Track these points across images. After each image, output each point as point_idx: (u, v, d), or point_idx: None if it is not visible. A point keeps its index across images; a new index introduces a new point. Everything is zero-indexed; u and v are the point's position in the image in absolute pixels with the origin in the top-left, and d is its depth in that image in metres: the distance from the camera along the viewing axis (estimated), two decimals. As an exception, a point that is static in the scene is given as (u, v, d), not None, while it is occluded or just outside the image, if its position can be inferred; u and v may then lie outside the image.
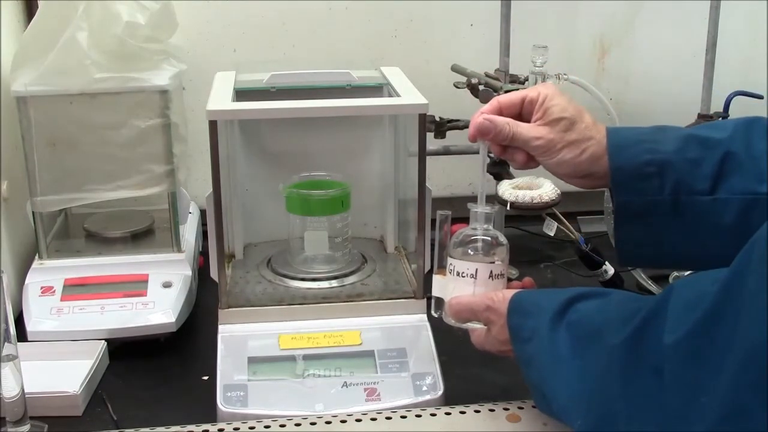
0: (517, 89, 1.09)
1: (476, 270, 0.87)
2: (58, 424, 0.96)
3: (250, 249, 1.22)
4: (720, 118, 1.33)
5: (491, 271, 0.88)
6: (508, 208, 1.19)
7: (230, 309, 1.04)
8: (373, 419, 0.90)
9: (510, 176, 1.27)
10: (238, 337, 1.02)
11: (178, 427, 0.88)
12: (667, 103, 1.53)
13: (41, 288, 1.16)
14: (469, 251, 0.88)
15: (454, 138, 1.33)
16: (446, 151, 1.39)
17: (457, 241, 0.89)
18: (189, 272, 1.21)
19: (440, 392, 0.96)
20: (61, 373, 1.02)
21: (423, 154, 1.02)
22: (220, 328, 1.03)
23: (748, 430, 0.54)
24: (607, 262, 1.26)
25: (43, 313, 1.12)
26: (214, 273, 1.04)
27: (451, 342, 0.99)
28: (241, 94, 1.11)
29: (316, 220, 1.11)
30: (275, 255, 1.17)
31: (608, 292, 0.81)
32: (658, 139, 0.84)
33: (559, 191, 1.18)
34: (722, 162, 0.82)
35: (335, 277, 1.11)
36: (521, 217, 1.45)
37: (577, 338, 0.77)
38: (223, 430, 0.88)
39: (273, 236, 1.22)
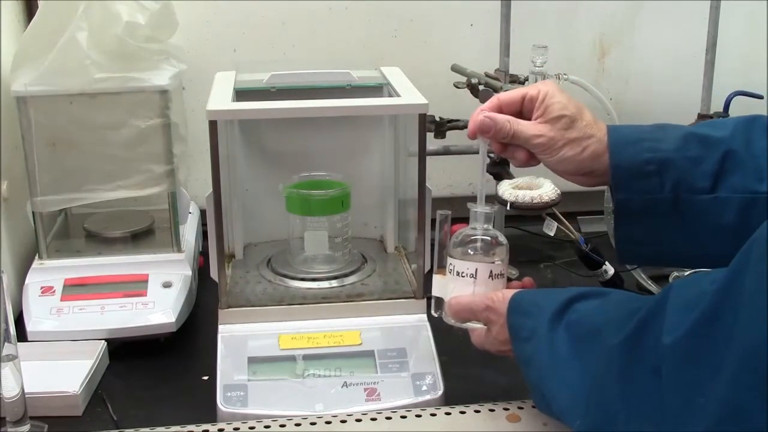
0: (518, 89, 1.09)
1: (476, 270, 0.88)
2: (58, 424, 0.96)
3: (250, 249, 1.22)
4: (720, 118, 1.33)
5: (491, 271, 0.88)
6: (508, 208, 1.18)
7: (230, 309, 1.04)
8: (373, 419, 0.90)
9: (510, 176, 1.27)
10: (238, 337, 1.02)
11: (178, 427, 0.88)
12: (667, 103, 1.53)
13: (41, 288, 1.16)
14: (469, 251, 0.88)
15: (454, 138, 1.33)
16: (446, 151, 1.39)
17: (457, 241, 0.89)
18: (189, 272, 1.21)
19: (440, 392, 0.96)
20: (61, 373, 1.02)
21: (423, 154, 1.02)
22: (220, 328, 1.03)
23: (747, 430, 0.54)
24: (607, 262, 1.26)
25: (43, 313, 1.12)
26: (214, 273, 1.04)
27: (451, 342, 0.99)
28: (241, 94, 1.11)
29: (316, 220, 1.11)
30: (275, 255, 1.17)
31: (607, 291, 0.82)
32: (659, 138, 0.84)
33: (559, 191, 1.18)
34: (722, 160, 0.82)
35: (335, 277, 1.11)
36: (521, 217, 1.45)
37: (577, 338, 0.77)
38: (223, 430, 0.88)
39: (273, 236, 1.22)
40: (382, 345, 1.01)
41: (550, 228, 1.29)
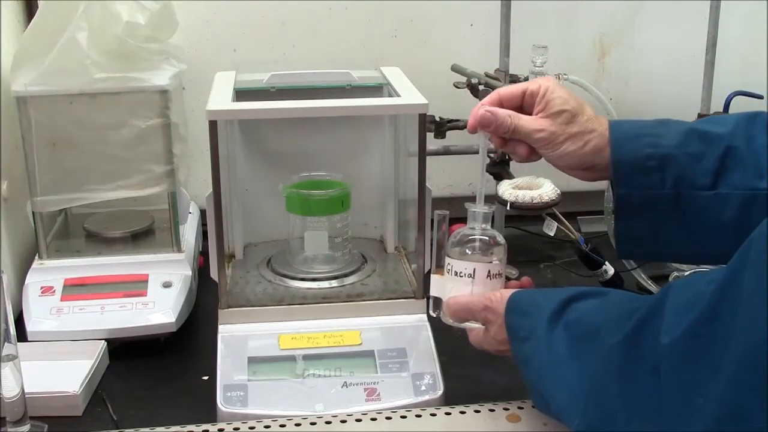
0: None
1: (474, 270, 0.88)
2: (58, 424, 0.96)
3: (250, 249, 1.22)
4: (721, 115, 1.33)
5: (489, 271, 0.88)
6: (508, 208, 1.18)
7: (230, 309, 1.04)
8: (373, 419, 0.90)
9: (510, 176, 1.27)
10: (238, 337, 1.02)
11: (178, 427, 0.88)
12: (667, 103, 1.53)
13: (41, 288, 1.16)
14: (467, 251, 0.88)
15: (454, 138, 1.33)
16: (446, 151, 1.39)
17: (455, 241, 0.89)
18: (189, 272, 1.21)
19: (440, 392, 0.96)
20: (61, 373, 1.02)
21: (423, 154, 1.02)
22: (220, 328, 1.03)
23: (746, 429, 0.54)
24: (607, 262, 1.26)
25: (43, 313, 1.12)
26: (214, 273, 1.04)
27: (451, 342, 0.99)
28: (241, 94, 1.11)
29: (316, 220, 1.11)
30: (275, 255, 1.17)
31: (606, 291, 0.81)
32: (660, 133, 0.84)
33: (559, 191, 1.18)
34: (723, 157, 0.81)
35: (335, 277, 1.11)
36: (521, 217, 1.45)
37: (575, 338, 0.77)
38: (223, 430, 0.88)
39: (273, 236, 1.22)
40: (382, 345, 1.01)
41: (550, 228, 1.29)
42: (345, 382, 0.96)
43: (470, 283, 0.87)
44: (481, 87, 1.30)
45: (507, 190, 1.19)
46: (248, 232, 1.22)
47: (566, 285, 1.24)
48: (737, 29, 1.51)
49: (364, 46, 1.50)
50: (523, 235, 1.49)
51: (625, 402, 0.67)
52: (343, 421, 0.89)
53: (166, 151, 1.19)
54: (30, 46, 1.16)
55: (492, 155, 1.30)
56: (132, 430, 0.90)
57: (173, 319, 1.13)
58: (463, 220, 0.91)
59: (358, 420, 0.89)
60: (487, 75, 1.35)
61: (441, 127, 1.31)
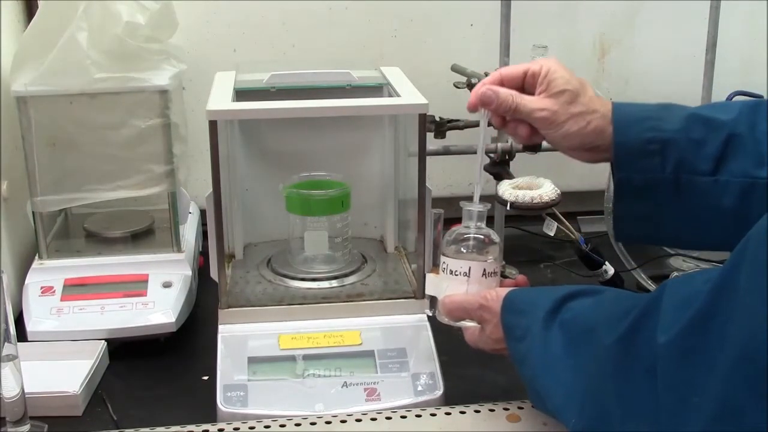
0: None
1: (469, 268, 0.88)
2: (58, 424, 0.96)
3: (250, 249, 1.22)
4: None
5: (484, 269, 0.88)
6: (508, 208, 1.18)
7: (230, 309, 1.04)
8: (373, 419, 0.90)
9: (510, 176, 1.27)
10: (238, 337, 1.02)
11: (178, 427, 0.88)
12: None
13: (41, 288, 1.16)
14: (462, 249, 0.88)
15: (454, 138, 1.33)
16: (446, 151, 1.38)
17: (450, 240, 0.89)
18: (189, 272, 1.21)
19: (440, 392, 0.96)
20: (61, 373, 1.02)
21: (423, 154, 1.02)
22: (220, 328, 1.03)
23: (741, 429, 0.53)
24: (607, 262, 1.26)
25: (43, 313, 1.12)
26: (214, 273, 1.04)
27: (451, 342, 0.99)
28: (241, 94, 1.11)
29: (316, 220, 1.11)
30: (275, 255, 1.17)
31: (601, 289, 0.81)
32: (663, 117, 0.84)
33: (559, 191, 1.18)
34: (726, 144, 0.81)
35: (335, 277, 1.11)
36: (521, 217, 1.45)
37: (571, 337, 0.77)
38: (223, 430, 0.88)
39: (273, 236, 1.22)
40: (382, 345, 1.01)
41: (550, 228, 1.29)
42: (345, 382, 0.96)
43: (466, 281, 0.88)
44: (481, 87, 1.30)
45: (507, 190, 1.19)
46: (248, 232, 1.22)
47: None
48: (737, 29, 1.51)
49: (364, 46, 1.50)
50: (523, 235, 1.49)
51: (620, 401, 0.67)
52: (343, 421, 0.89)
53: (166, 151, 1.19)
54: (30, 46, 1.16)
55: (492, 155, 1.30)
56: (132, 430, 0.90)
57: (173, 319, 1.13)
58: (460, 220, 0.91)
59: (358, 420, 0.89)
60: (487, 75, 1.35)
61: (441, 127, 1.31)
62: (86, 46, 1.12)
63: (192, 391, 1.04)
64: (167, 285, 1.17)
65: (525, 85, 0.87)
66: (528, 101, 0.85)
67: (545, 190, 1.18)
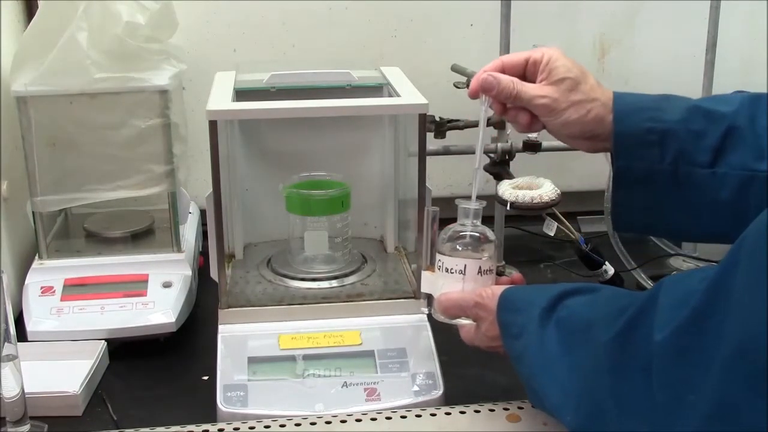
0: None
1: (465, 266, 0.88)
2: (58, 424, 0.96)
3: (250, 249, 1.22)
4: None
5: (480, 267, 0.88)
6: (508, 208, 1.18)
7: (230, 309, 1.04)
8: (373, 419, 0.90)
9: (510, 176, 1.27)
10: (238, 337, 1.02)
11: (178, 427, 0.88)
12: (667, 103, 1.52)
13: (41, 288, 1.16)
14: (458, 247, 0.88)
15: (454, 138, 1.33)
16: (446, 151, 1.38)
17: (446, 237, 0.89)
18: (189, 272, 1.21)
19: (440, 392, 0.96)
20: (61, 373, 1.01)
21: (423, 154, 1.02)
22: (220, 328, 1.03)
23: (737, 427, 0.53)
24: (607, 262, 1.26)
25: (43, 313, 1.12)
26: (214, 273, 1.04)
27: (451, 342, 0.99)
28: (241, 94, 1.11)
29: (316, 220, 1.11)
30: (275, 255, 1.17)
31: (597, 287, 0.81)
32: (663, 108, 0.84)
33: (559, 191, 1.18)
34: (725, 136, 0.81)
35: (335, 277, 1.11)
36: (521, 217, 1.44)
37: (566, 335, 0.76)
38: (223, 430, 0.88)
39: (273, 236, 1.22)
40: (382, 345, 1.01)
41: (550, 228, 1.29)
42: (345, 382, 0.96)
43: (461, 279, 0.88)
44: (481, 87, 1.30)
45: (507, 190, 1.19)
46: (248, 232, 1.22)
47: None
48: (737, 29, 1.51)
49: (364, 46, 1.50)
50: (523, 235, 1.49)
51: (616, 399, 0.67)
52: (343, 421, 0.89)
53: (166, 151, 1.19)
54: (30, 46, 1.16)
55: (492, 155, 1.30)
56: (132, 430, 0.90)
57: (173, 319, 1.13)
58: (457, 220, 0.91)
59: (358, 420, 0.89)
60: (487, 75, 1.35)
61: (441, 127, 1.31)
62: (86, 46, 1.12)
63: (192, 391, 1.04)
64: (167, 285, 1.17)
65: (526, 72, 0.88)
66: (529, 88, 0.86)
67: (545, 190, 1.18)
